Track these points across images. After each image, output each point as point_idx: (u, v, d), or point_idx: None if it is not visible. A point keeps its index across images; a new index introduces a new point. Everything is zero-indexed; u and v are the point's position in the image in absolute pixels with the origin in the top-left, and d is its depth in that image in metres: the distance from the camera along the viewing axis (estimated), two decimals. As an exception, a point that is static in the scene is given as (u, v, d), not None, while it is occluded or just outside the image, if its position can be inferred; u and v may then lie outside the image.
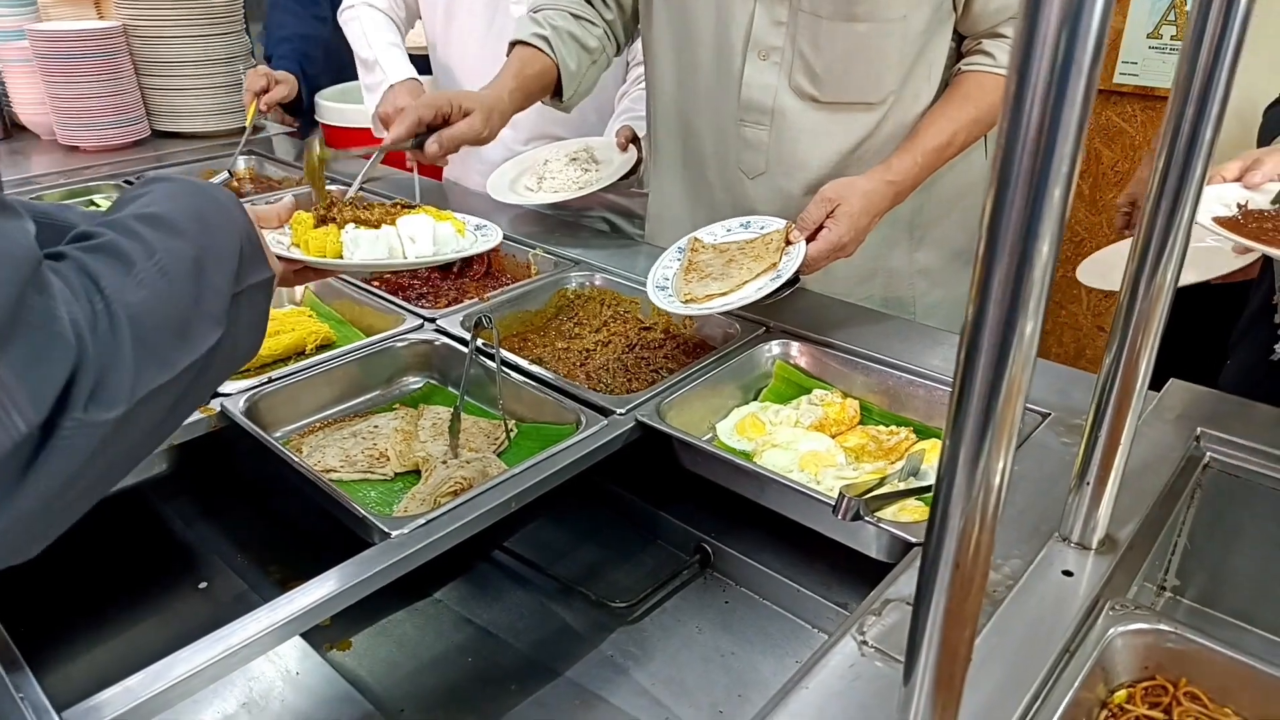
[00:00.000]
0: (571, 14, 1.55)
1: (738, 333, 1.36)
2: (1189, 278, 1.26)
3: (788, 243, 1.26)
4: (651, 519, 1.31)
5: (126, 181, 2.08)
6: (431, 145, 1.39)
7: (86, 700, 0.74)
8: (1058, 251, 0.45)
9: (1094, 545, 0.82)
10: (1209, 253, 1.32)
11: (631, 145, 1.77)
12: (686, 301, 1.24)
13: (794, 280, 1.23)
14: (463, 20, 1.93)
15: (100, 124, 2.24)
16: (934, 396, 1.20)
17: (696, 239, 1.37)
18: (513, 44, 1.56)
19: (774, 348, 1.32)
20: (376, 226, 1.09)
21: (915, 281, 1.55)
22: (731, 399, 1.28)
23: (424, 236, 1.11)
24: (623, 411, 1.16)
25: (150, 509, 1.29)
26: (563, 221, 1.84)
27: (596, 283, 1.57)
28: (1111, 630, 0.73)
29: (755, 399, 1.30)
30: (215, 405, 1.16)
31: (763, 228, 1.34)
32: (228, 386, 1.20)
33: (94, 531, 1.17)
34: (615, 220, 1.99)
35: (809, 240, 1.26)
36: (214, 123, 2.40)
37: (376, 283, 1.63)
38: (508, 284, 1.63)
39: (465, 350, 1.30)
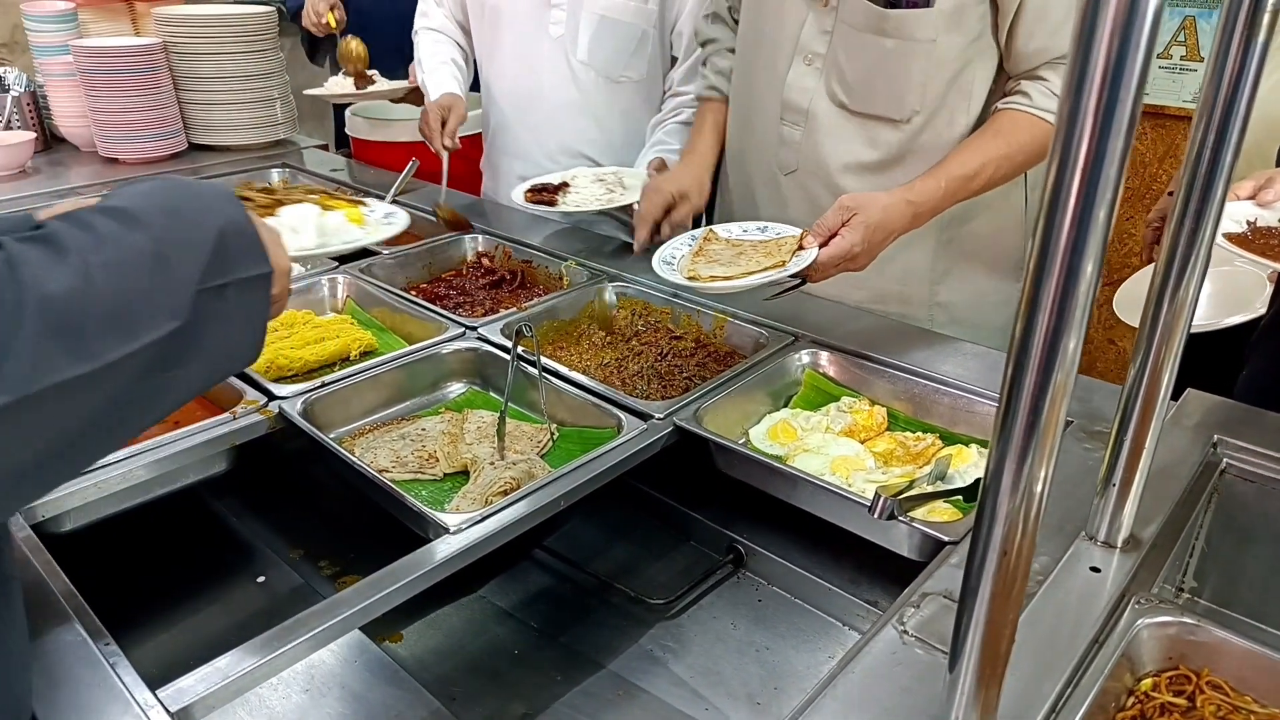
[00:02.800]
0: (727, 49, 1.68)
1: (768, 342, 1.41)
2: (1231, 318, 1.29)
3: (801, 247, 1.30)
4: (683, 519, 1.36)
5: (167, 192, 2.14)
6: (666, 231, 1.59)
7: (180, 679, 0.79)
8: (1100, 270, 0.50)
9: (1119, 544, 0.87)
10: (1239, 292, 1.36)
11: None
12: (690, 279, 1.28)
13: (800, 282, 1.26)
14: (507, 44, 1.99)
15: (140, 137, 2.31)
16: (957, 404, 1.25)
17: (712, 230, 1.43)
18: (699, 98, 1.76)
19: (804, 357, 1.38)
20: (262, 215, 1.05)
21: (934, 313, 1.59)
22: (763, 405, 1.33)
23: (307, 227, 1.09)
24: (661, 416, 1.22)
25: (207, 507, 1.34)
26: (594, 236, 1.90)
27: (628, 293, 1.62)
28: (1138, 622, 0.78)
29: (786, 406, 1.35)
30: (273, 408, 1.22)
31: (779, 233, 1.39)
32: (283, 389, 1.25)
33: (158, 527, 1.23)
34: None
35: (822, 247, 1.30)
36: (249, 136, 2.46)
37: (414, 291, 1.69)
38: (541, 295, 1.68)
39: (507, 357, 1.36)
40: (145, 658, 1.04)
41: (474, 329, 1.46)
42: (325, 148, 2.64)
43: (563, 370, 1.35)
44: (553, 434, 1.30)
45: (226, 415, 1.20)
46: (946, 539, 0.94)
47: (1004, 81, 1.41)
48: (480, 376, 1.44)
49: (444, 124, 1.88)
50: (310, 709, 1.04)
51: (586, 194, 1.84)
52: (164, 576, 1.21)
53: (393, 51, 2.52)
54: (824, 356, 1.37)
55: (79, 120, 2.37)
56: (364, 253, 1.79)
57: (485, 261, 1.85)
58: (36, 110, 2.41)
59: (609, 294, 1.62)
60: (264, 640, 0.84)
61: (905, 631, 0.81)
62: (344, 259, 1.72)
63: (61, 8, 2.43)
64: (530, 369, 1.34)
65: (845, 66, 1.42)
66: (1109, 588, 0.83)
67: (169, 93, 2.35)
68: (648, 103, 2.00)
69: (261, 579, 1.23)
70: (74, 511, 1.06)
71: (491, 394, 1.43)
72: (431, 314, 1.52)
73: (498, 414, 1.31)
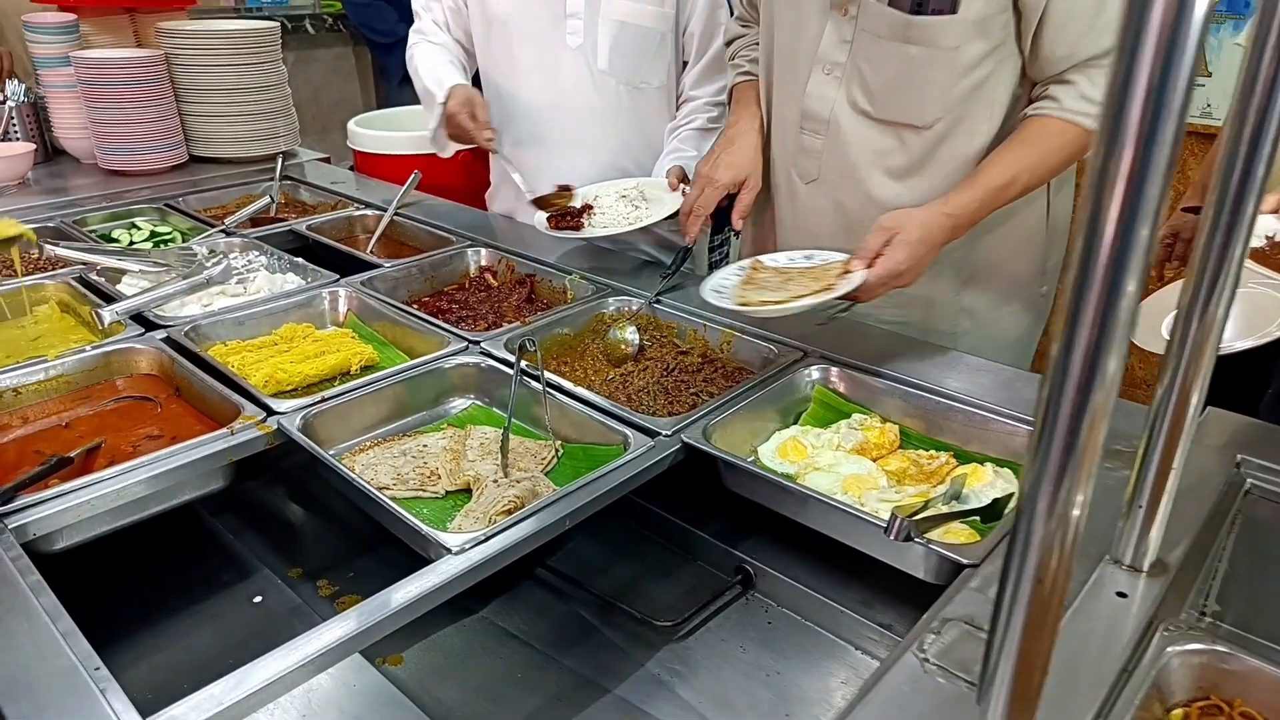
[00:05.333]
0: (755, 43, 1.67)
1: (776, 358, 1.39)
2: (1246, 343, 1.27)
3: (847, 271, 1.30)
4: (689, 538, 1.33)
5: (167, 204, 2.12)
6: (739, 223, 1.57)
7: (173, 706, 0.76)
8: (1142, 289, 0.48)
9: (1145, 568, 0.84)
10: (1257, 314, 1.33)
11: (682, 185, 1.79)
12: (740, 304, 1.27)
13: (849, 304, 1.26)
14: (523, 58, 1.93)
15: (141, 149, 2.29)
16: (971, 421, 1.23)
17: (759, 260, 1.42)
18: (731, 88, 1.74)
19: (813, 372, 1.35)
20: None
21: (959, 320, 1.57)
22: (771, 422, 1.31)
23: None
24: (669, 433, 1.19)
25: (203, 524, 1.31)
26: (599, 250, 1.88)
27: (633, 308, 1.60)
28: (1168, 650, 0.75)
29: (795, 423, 1.32)
30: (272, 423, 1.19)
31: (824, 260, 1.38)
32: (282, 405, 1.23)
33: (153, 545, 1.20)
34: (653, 252, 2.02)
35: (868, 268, 1.29)
36: (249, 149, 2.45)
37: (416, 304, 1.66)
38: (544, 309, 1.66)
39: (510, 372, 1.34)
40: (138, 679, 1.01)
41: (477, 343, 1.44)
42: (327, 160, 2.62)
43: (567, 385, 1.33)
44: (557, 451, 1.27)
45: (224, 431, 1.17)
46: (966, 562, 0.91)
47: (1026, 88, 1.40)
48: (483, 392, 1.42)
49: (474, 118, 1.83)
50: (307, 735, 1.01)
51: (612, 213, 1.80)
52: (158, 595, 1.18)
53: None
54: (834, 372, 1.35)
55: (80, 132, 2.36)
56: (365, 266, 1.77)
57: (489, 276, 1.83)
58: (37, 121, 2.40)
59: (613, 307, 1.60)
60: (260, 665, 0.82)
61: (926, 659, 0.78)
62: (345, 272, 1.70)
63: (63, 19, 2.43)
64: (534, 384, 1.32)
65: (867, 75, 1.41)
66: (1136, 614, 0.80)
67: (170, 105, 2.34)
68: (665, 109, 1.98)
69: (259, 599, 1.20)
70: (67, 529, 1.03)
71: (495, 410, 1.40)
72: (434, 328, 1.50)
73: (501, 430, 1.28)
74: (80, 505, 1.03)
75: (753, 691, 1.08)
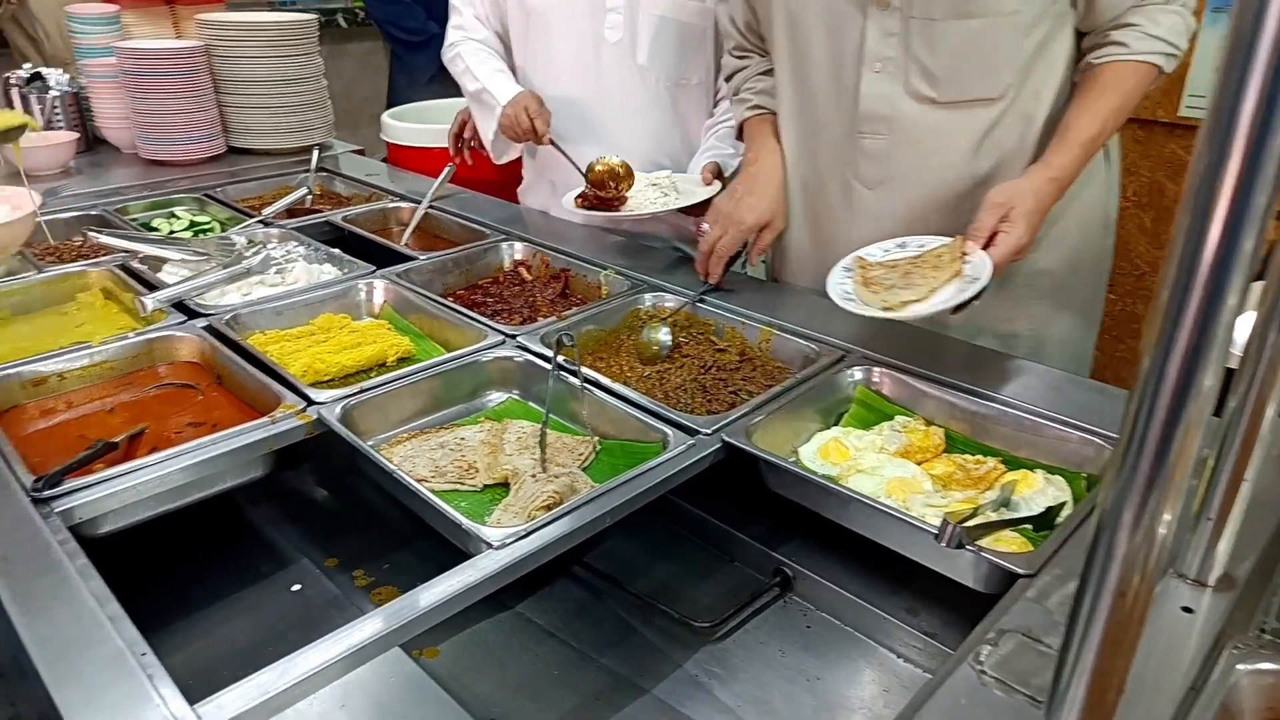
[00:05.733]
0: (761, 72, 1.66)
1: (818, 356, 1.37)
2: None
3: (963, 254, 1.27)
4: (727, 539, 1.31)
5: (206, 194, 2.14)
6: (756, 261, 1.63)
7: (219, 695, 0.76)
8: (1241, 303, 0.46)
9: (1211, 582, 0.82)
10: None
11: (716, 180, 1.77)
12: (885, 309, 1.25)
13: (981, 289, 1.24)
14: (561, 52, 1.92)
15: (180, 139, 2.31)
16: (1021, 426, 1.20)
17: (861, 258, 1.39)
18: (741, 124, 1.72)
19: (855, 373, 1.33)
20: None
21: (1033, 280, 1.53)
22: (812, 423, 1.29)
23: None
24: (709, 432, 1.18)
25: (243, 513, 1.32)
26: (636, 246, 1.87)
27: (668, 304, 1.59)
28: (1237, 669, 0.73)
29: (836, 424, 1.30)
30: (312, 413, 1.19)
31: (921, 245, 1.35)
32: (321, 395, 1.23)
33: (195, 532, 1.21)
34: (685, 249, 2.00)
35: (985, 248, 1.27)
36: (286, 140, 2.46)
37: (451, 297, 1.66)
38: (579, 304, 1.65)
39: (547, 367, 1.33)
40: (179, 665, 1.01)
41: (513, 337, 1.43)
42: (361, 152, 2.63)
43: (605, 381, 1.32)
44: (595, 447, 1.26)
45: (265, 420, 1.17)
46: (1021, 571, 0.89)
47: (1078, 42, 1.41)
48: (520, 386, 1.41)
49: (532, 119, 1.82)
50: (346, 727, 1.00)
51: (640, 199, 1.79)
52: (199, 583, 1.19)
53: None
54: (877, 373, 1.33)
55: (121, 122, 2.38)
56: (400, 258, 1.77)
57: (523, 270, 1.82)
58: (79, 111, 2.43)
59: (649, 303, 1.58)
60: (304, 656, 0.81)
61: (984, 671, 0.76)
62: (381, 264, 1.70)
63: (105, 10, 2.45)
64: (572, 379, 1.31)
65: (928, 61, 1.38)
66: (1202, 630, 0.77)
67: (209, 96, 2.36)
68: (703, 106, 1.95)
69: (297, 587, 1.20)
70: (111, 514, 1.04)
71: (531, 404, 1.39)
72: (470, 321, 1.49)
73: (538, 425, 1.28)
74: (124, 491, 1.04)
75: (794, 696, 1.06)
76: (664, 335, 1.49)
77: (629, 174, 1.81)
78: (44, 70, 2.38)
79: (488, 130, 1.97)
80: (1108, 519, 0.51)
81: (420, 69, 3.33)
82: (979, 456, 1.19)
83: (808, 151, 1.58)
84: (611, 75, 1.88)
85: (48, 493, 0.99)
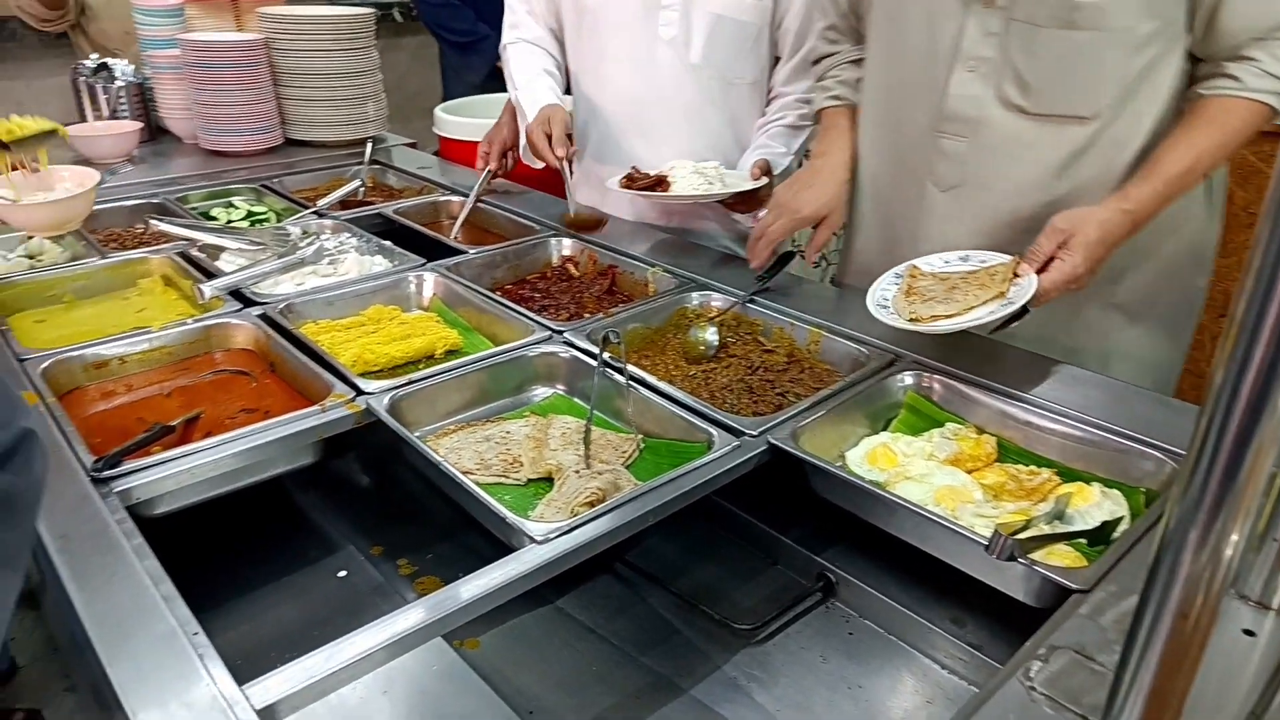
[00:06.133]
0: (850, 61, 1.62)
1: (868, 361, 1.35)
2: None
3: (1015, 275, 1.24)
4: (770, 542, 1.30)
5: (263, 185, 2.18)
6: (813, 259, 1.57)
7: (266, 677, 0.77)
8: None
9: (1276, 605, 0.78)
10: None
11: (764, 176, 1.75)
12: (911, 320, 1.23)
13: (1023, 311, 1.21)
14: (613, 49, 1.91)
15: (239, 130, 2.36)
16: (1079, 437, 1.17)
17: (915, 266, 1.37)
18: (818, 112, 1.69)
19: (906, 378, 1.31)
20: None
21: (1109, 315, 1.47)
22: (860, 427, 1.27)
23: None
24: (755, 433, 1.17)
25: (292, 499, 1.34)
26: (684, 244, 1.86)
27: (716, 303, 1.58)
28: (1304, 694, 0.70)
29: (884, 429, 1.28)
30: (360, 403, 1.21)
31: (983, 261, 1.32)
32: (370, 385, 1.24)
33: (243, 518, 1.23)
34: (734, 248, 1.99)
35: (1039, 273, 1.23)
36: (341, 133, 2.50)
37: (499, 291, 1.67)
38: (625, 301, 1.65)
39: (593, 363, 1.33)
40: (228, 646, 1.03)
41: (560, 333, 1.43)
42: (414, 145, 2.66)
43: (650, 379, 1.31)
44: (639, 445, 1.26)
45: (315, 408, 1.19)
46: (1075, 586, 0.86)
47: (1190, 68, 1.32)
48: (565, 382, 1.41)
49: (549, 136, 1.81)
50: (389, 712, 1.02)
51: (685, 184, 1.77)
52: (248, 567, 1.21)
53: None
54: (928, 378, 1.30)
55: (183, 112, 2.44)
56: (450, 251, 1.79)
57: (570, 267, 1.83)
58: (143, 101, 2.49)
59: (697, 302, 1.57)
60: (349, 641, 0.82)
61: (1032, 687, 0.74)
62: (430, 256, 1.72)
63: (170, 2, 2.51)
64: (617, 376, 1.31)
65: (1024, 68, 1.32)
66: (1264, 654, 0.74)
67: (269, 88, 2.40)
68: (755, 106, 1.94)
69: (343, 573, 1.21)
70: (167, 495, 1.06)
71: (576, 400, 1.39)
72: (518, 316, 1.50)
73: (583, 421, 1.28)
74: (180, 473, 1.06)
75: (835, 703, 1.05)
76: (711, 335, 1.48)
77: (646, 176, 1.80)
78: (110, 61, 2.45)
79: (522, 138, 1.97)
80: (1172, 536, 0.49)
81: (471, 69, 3.34)
82: (1033, 467, 1.16)
83: (887, 145, 1.54)
84: (664, 73, 1.87)
85: (107, 473, 1.02)
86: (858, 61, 1.61)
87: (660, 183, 1.76)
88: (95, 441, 1.13)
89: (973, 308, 1.22)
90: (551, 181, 2.32)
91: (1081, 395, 1.22)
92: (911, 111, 1.48)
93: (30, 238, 1.76)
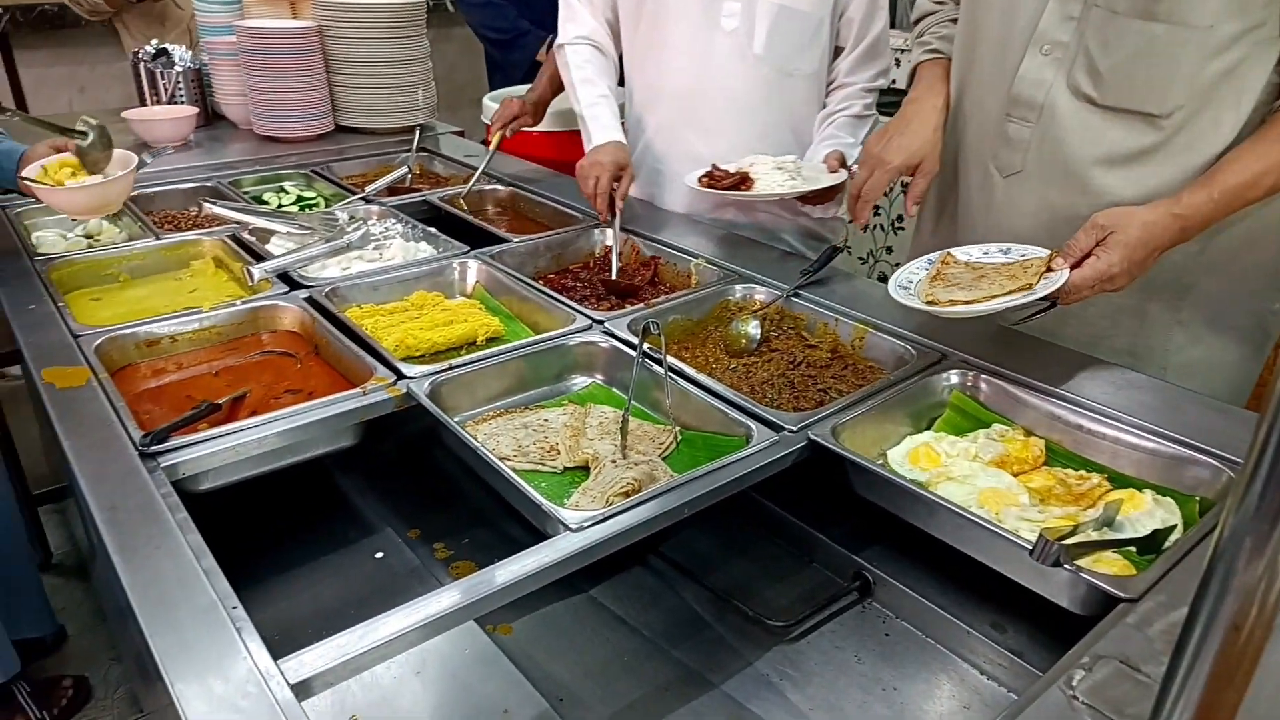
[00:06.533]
0: (950, 20, 1.58)
1: (913, 358, 1.32)
2: None
3: (1049, 269, 1.21)
4: (807, 539, 1.29)
5: (313, 171, 2.22)
6: (912, 210, 1.51)
7: (302, 652, 0.78)
8: None
9: (1338, 622, 0.75)
10: None
11: (841, 169, 1.71)
12: (929, 303, 1.21)
13: (1049, 305, 1.17)
14: (674, 41, 1.88)
15: (292, 117, 2.40)
16: (1132, 443, 1.13)
17: (950, 254, 1.34)
18: (914, 69, 1.64)
19: (951, 377, 1.28)
20: None
21: (1175, 334, 1.40)
22: (903, 426, 1.24)
23: None
24: (794, 429, 1.15)
25: (333, 480, 1.36)
26: (730, 237, 1.84)
27: (759, 296, 1.56)
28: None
29: (928, 428, 1.26)
30: (401, 386, 1.22)
31: (1023, 254, 1.29)
32: (412, 369, 1.25)
33: (285, 497, 1.25)
34: (796, 244, 1.96)
35: (1074, 268, 1.19)
36: (390, 120, 2.52)
37: (541, 280, 1.67)
38: (668, 292, 1.64)
39: (633, 354, 1.32)
40: (267, 621, 1.05)
41: (601, 323, 1.43)
42: (461, 134, 2.68)
43: (689, 371, 1.30)
44: (676, 437, 1.25)
45: (356, 390, 1.20)
46: (1122, 595, 0.83)
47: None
48: (604, 371, 1.41)
49: (605, 188, 1.74)
50: (422, 693, 1.03)
51: (768, 180, 1.73)
52: (290, 543, 1.24)
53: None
54: (975, 378, 1.27)
55: (238, 98, 2.49)
56: (495, 239, 1.80)
57: (613, 257, 1.82)
58: (200, 87, 2.55)
59: (740, 294, 1.56)
60: (383, 621, 0.83)
61: (1074, 696, 0.72)
62: (474, 244, 1.73)
63: (229, -11, 2.56)
64: (656, 368, 1.30)
65: (1097, 56, 1.27)
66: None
67: (321, 75, 2.44)
68: (814, 97, 1.91)
69: (380, 555, 1.23)
70: (212, 472, 1.09)
71: (614, 390, 1.39)
72: (560, 305, 1.50)
73: (621, 411, 1.27)
74: (224, 450, 1.08)
75: (868, 706, 1.03)
76: (753, 328, 1.46)
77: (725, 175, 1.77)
78: (169, 47, 2.51)
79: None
80: (1227, 545, 0.47)
81: (514, 65, 3.35)
82: (1082, 471, 1.13)
83: (955, 131, 1.51)
84: (722, 65, 1.85)
85: (155, 448, 1.05)
86: (956, 21, 1.56)
87: (744, 180, 1.73)
88: (145, 417, 1.16)
89: (995, 296, 1.19)
90: (556, 155, 2.33)
91: (1136, 399, 1.18)
92: (982, 95, 1.44)
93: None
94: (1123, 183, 1.31)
